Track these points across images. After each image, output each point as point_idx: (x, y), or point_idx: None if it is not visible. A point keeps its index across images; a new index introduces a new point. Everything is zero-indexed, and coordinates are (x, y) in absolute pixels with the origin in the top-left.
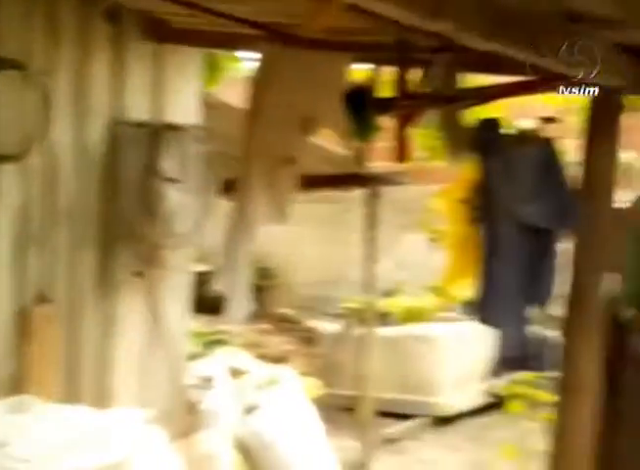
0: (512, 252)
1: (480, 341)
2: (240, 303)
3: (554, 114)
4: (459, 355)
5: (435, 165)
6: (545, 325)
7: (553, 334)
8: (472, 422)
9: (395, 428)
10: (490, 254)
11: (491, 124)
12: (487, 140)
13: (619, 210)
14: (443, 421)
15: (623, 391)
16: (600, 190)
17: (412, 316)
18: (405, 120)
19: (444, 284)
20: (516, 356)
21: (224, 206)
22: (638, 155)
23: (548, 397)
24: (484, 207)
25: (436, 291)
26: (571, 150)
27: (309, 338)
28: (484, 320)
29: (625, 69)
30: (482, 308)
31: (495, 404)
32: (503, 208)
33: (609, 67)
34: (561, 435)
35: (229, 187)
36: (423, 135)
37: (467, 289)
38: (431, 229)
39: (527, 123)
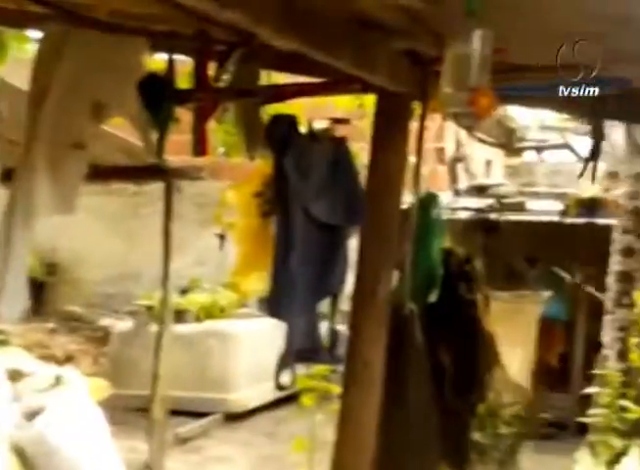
0: (302, 246)
1: (275, 336)
2: (14, 299)
3: (346, 115)
4: (254, 351)
5: (234, 161)
6: (338, 319)
7: (345, 328)
8: (266, 417)
9: (189, 426)
10: (281, 248)
11: (286, 121)
12: (281, 136)
13: (406, 210)
14: (238, 417)
15: (405, 381)
16: (388, 191)
17: (208, 313)
18: (203, 114)
19: (235, 279)
20: (306, 350)
21: (3, 195)
22: (425, 159)
23: (338, 389)
24: (277, 201)
25: (232, 287)
26: (361, 151)
27: (101, 337)
28: (274, 315)
29: (411, 76)
30: (272, 303)
31: (289, 398)
32: (295, 203)
33: (394, 73)
34: (345, 426)
35: (10, 175)
36: (221, 130)
37: (258, 284)
38: (223, 223)
39: (320, 123)
